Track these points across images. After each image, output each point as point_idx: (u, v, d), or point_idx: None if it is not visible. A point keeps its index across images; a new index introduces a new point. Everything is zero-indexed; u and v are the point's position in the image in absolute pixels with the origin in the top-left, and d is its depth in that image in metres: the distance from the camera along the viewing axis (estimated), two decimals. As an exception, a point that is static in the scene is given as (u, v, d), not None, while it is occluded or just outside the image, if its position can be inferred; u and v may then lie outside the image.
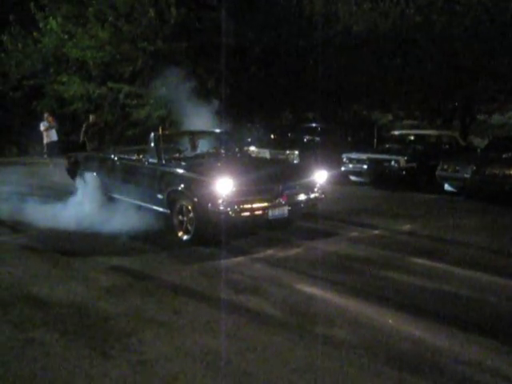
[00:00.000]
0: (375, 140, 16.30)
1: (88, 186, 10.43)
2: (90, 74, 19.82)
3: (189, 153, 9.61)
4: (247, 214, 7.83)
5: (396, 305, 5.54)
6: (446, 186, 12.52)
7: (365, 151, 14.95)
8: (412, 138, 16.28)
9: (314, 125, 18.23)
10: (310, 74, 19.63)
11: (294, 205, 8.36)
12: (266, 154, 15.73)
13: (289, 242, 8.15)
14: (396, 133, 17.13)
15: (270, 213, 7.96)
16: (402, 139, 16.26)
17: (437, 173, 12.70)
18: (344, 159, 14.89)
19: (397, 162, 13.81)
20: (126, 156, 9.93)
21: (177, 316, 5.23)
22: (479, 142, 18.40)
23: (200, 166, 8.73)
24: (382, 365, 4.28)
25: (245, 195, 7.80)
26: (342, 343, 4.64)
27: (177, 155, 9.33)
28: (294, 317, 5.22)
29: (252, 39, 18.84)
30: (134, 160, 9.48)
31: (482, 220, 9.94)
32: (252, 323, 5.09)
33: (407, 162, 13.81)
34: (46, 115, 18.37)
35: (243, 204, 7.73)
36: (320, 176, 8.86)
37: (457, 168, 12.39)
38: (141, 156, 9.30)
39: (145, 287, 6.11)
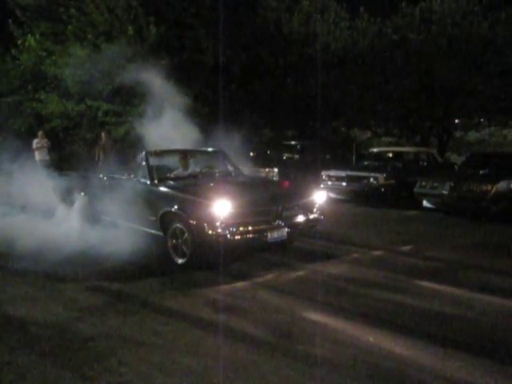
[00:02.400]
0: (354, 157, 16.42)
1: (76, 206, 10.13)
2: (69, 92, 19.74)
3: (181, 172, 9.23)
4: (245, 236, 7.47)
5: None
6: (425, 203, 12.60)
7: (344, 168, 15.02)
8: (390, 155, 16.41)
9: (293, 142, 18.31)
10: (289, 92, 19.77)
11: (293, 226, 8.06)
12: (243, 171, 15.72)
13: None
14: (374, 150, 17.24)
15: (269, 235, 7.63)
16: (380, 156, 16.37)
17: (415, 189, 12.79)
18: (323, 176, 14.94)
19: (375, 179, 13.88)
20: (115, 175, 9.54)
21: (157, 336, 5.17)
22: (456, 159, 18.59)
23: (195, 186, 8.40)
24: None
25: (243, 217, 7.49)
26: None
27: (169, 175, 8.99)
28: (286, 340, 5.12)
29: (231, 57, 18.92)
30: (123, 179, 9.11)
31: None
32: (235, 344, 5.03)
33: (386, 179, 13.90)
34: (40, 133, 18.36)
35: (241, 226, 7.41)
36: (319, 196, 8.57)
37: (435, 184, 12.49)
38: (131, 175, 8.93)
39: (125, 308, 6.03)
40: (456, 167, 14.74)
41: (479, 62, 18.62)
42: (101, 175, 9.77)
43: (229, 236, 7.26)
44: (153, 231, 8.26)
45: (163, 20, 18.00)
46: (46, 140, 18.35)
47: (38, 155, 18.04)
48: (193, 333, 5.30)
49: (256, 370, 4.47)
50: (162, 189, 8.25)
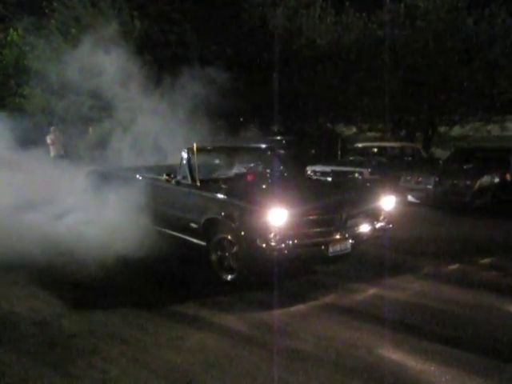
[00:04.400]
0: (339, 152, 16.44)
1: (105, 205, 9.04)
2: (52, 87, 19.56)
3: (227, 172, 8.31)
4: (303, 250, 6.53)
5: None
6: (410, 197, 12.64)
7: (329, 163, 15.05)
8: (375, 150, 16.46)
9: (278, 137, 18.30)
10: (275, 87, 19.72)
11: (358, 237, 6.96)
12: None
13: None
14: (360, 145, 17.29)
15: (331, 248, 6.55)
16: (365, 151, 16.42)
17: (400, 184, 12.83)
18: (308, 172, 14.95)
19: (361, 173, 13.92)
20: (152, 175, 8.56)
21: (141, 332, 5.14)
22: (441, 154, 18.67)
23: (245, 189, 7.43)
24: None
25: (301, 227, 6.44)
26: None
27: (214, 175, 8.07)
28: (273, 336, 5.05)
29: (216, 53, 18.84)
30: (161, 180, 7.91)
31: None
32: (218, 339, 5.02)
33: (371, 173, 13.94)
34: (52, 128, 18.22)
35: (299, 238, 6.37)
36: (387, 202, 7.46)
37: (419, 179, 12.55)
38: (171, 176, 7.72)
39: (109, 304, 5.96)
40: (441, 162, 14.78)
41: (464, 57, 18.69)
42: (137, 175, 8.73)
43: (285, 250, 6.22)
44: (194, 240, 7.27)
45: (147, 14, 17.90)
46: (59, 135, 18.20)
47: (53, 150, 17.91)
48: (176, 328, 5.26)
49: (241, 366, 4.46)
50: (206, 191, 7.23)
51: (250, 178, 8.42)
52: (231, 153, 8.66)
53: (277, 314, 5.66)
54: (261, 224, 6.23)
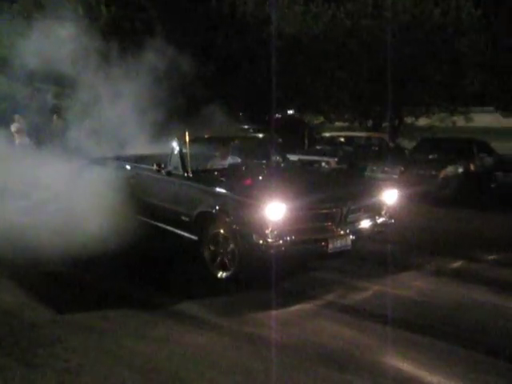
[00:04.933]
0: (306, 142, 16.49)
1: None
2: (17, 74, 19.19)
3: (220, 162, 7.85)
4: (302, 247, 6.23)
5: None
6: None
7: (296, 153, 15.07)
8: (342, 139, 16.56)
9: (245, 126, 18.24)
10: (243, 76, 19.66)
11: (358, 233, 6.64)
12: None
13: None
14: (327, 135, 17.37)
15: (331, 245, 6.23)
16: (332, 141, 16.50)
17: (366, 174, 12.91)
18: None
19: (327, 163, 13.98)
20: (142, 165, 8.20)
21: (108, 322, 5.10)
22: (407, 144, 18.86)
23: (240, 182, 7.10)
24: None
25: (300, 223, 6.15)
26: None
27: (206, 166, 7.66)
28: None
29: (184, 41, 18.68)
30: (152, 170, 7.54)
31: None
32: (183, 327, 5.02)
33: (337, 163, 14.01)
34: (16, 116, 17.84)
35: (297, 234, 6.06)
36: (389, 195, 7.10)
37: (385, 169, 12.64)
38: (162, 166, 7.34)
39: (78, 295, 5.90)
40: (406, 152, 14.94)
41: (430, 49, 18.85)
42: (127, 166, 8.46)
43: (282, 247, 5.91)
44: (185, 234, 6.98)
45: (114, 0, 17.65)
46: (23, 122, 17.85)
47: (18, 138, 17.58)
48: (141, 317, 5.23)
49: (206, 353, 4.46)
50: (199, 183, 6.89)
51: (245, 171, 8.04)
52: (225, 142, 8.17)
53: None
54: (257, 219, 5.89)
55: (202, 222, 6.61)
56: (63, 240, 7.09)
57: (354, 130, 19.87)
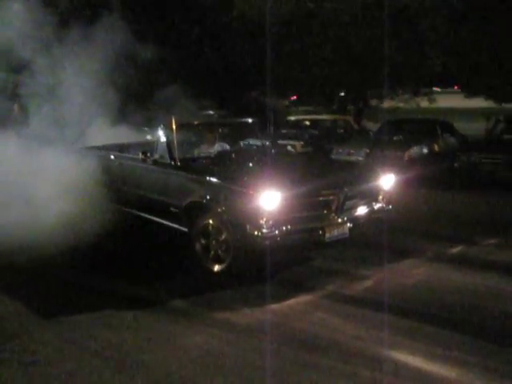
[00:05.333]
0: (272, 126, 16.44)
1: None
2: (-26, 62, 18.75)
3: (208, 149, 7.49)
4: (298, 236, 5.96)
5: None
6: (341, 170, 12.77)
7: (262, 137, 15.00)
8: (308, 123, 16.57)
9: (210, 112, 18.14)
10: (206, 62, 19.49)
11: (356, 221, 6.39)
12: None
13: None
14: (292, 118, 17.36)
15: (328, 234, 6.00)
16: (297, 124, 16.50)
17: (332, 156, 12.93)
18: (241, 145, 14.87)
19: (293, 146, 13.96)
20: (126, 154, 8.00)
21: (79, 313, 5.02)
22: (372, 126, 18.94)
23: (232, 170, 6.80)
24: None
25: (296, 211, 5.88)
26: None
27: (194, 154, 7.34)
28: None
29: (144, 27, 18.44)
30: (137, 159, 7.21)
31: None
32: (153, 315, 4.97)
33: (303, 146, 14.01)
34: None
35: (293, 224, 5.79)
36: (386, 180, 6.87)
37: (351, 151, 12.69)
38: (148, 154, 7.02)
39: (41, 285, 5.81)
40: (371, 134, 15.00)
41: (393, 30, 18.88)
42: (111, 155, 8.13)
43: (278, 237, 5.65)
44: (174, 225, 6.72)
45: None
46: None
47: None
48: (111, 306, 5.16)
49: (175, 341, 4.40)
50: (187, 172, 6.60)
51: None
52: (212, 128, 7.88)
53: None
54: (251, 208, 5.63)
55: (192, 213, 6.33)
56: (40, 231, 6.85)
57: (319, 114, 19.87)
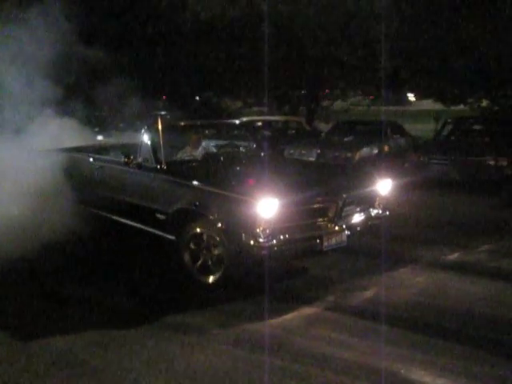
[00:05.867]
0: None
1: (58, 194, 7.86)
2: None
3: (192, 153, 7.17)
4: (296, 245, 5.67)
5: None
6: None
7: (214, 138, 14.98)
8: (260, 124, 16.62)
9: (163, 112, 18.02)
10: (159, 62, 19.36)
11: (354, 228, 6.13)
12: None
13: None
14: (244, 119, 17.37)
15: (326, 242, 5.74)
16: (250, 125, 16.51)
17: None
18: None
19: (245, 147, 13.96)
20: (106, 157, 7.64)
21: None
22: (324, 127, 19.14)
23: (223, 174, 6.45)
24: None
25: (293, 219, 5.60)
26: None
27: (178, 156, 6.99)
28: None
29: (97, 25, 18.22)
30: (119, 163, 6.87)
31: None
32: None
33: (255, 147, 14.01)
34: None
35: (291, 232, 5.52)
36: (383, 186, 6.61)
37: (302, 152, 12.80)
38: (131, 158, 6.60)
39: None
40: (323, 135, 15.15)
41: (345, 33, 19.11)
42: (90, 158, 7.71)
43: (275, 247, 5.36)
44: (159, 233, 6.35)
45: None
46: None
47: None
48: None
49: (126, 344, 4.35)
50: (175, 176, 6.25)
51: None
52: (198, 130, 7.56)
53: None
54: (247, 216, 5.31)
55: (180, 221, 5.96)
56: (16, 240, 6.61)
57: (271, 115, 19.99)
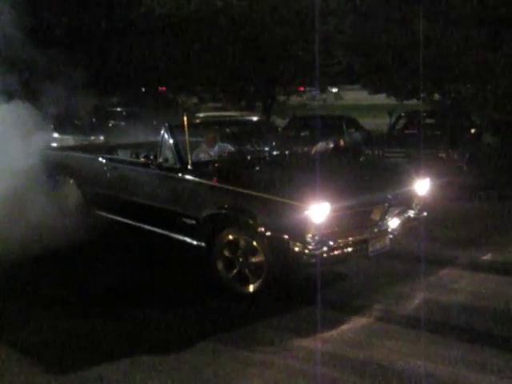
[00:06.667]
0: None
1: (61, 197, 7.58)
2: None
3: (207, 152, 6.65)
4: (343, 252, 5.23)
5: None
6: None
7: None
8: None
9: (118, 109, 17.90)
10: (115, 58, 19.20)
11: (396, 231, 5.74)
12: (69, 140, 15.12)
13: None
14: (200, 115, 17.33)
15: (371, 247, 5.40)
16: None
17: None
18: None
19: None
20: (122, 157, 7.21)
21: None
22: (280, 122, 19.24)
23: (260, 175, 6.11)
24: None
25: (342, 224, 5.25)
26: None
27: (204, 156, 6.46)
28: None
29: (52, 21, 17.98)
30: (137, 163, 6.59)
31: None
32: (61, 314, 4.85)
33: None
34: None
35: (339, 238, 5.17)
36: (422, 186, 6.20)
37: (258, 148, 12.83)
38: (151, 158, 6.24)
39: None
40: (279, 130, 15.23)
41: (300, 29, 19.26)
42: (100, 158, 7.23)
43: (324, 254, 4.99)
44: (187, 239, 5.87)
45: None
46: None
47: None
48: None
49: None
50: (206, 178, 5.80)
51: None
52: (211, 127, 7.00)
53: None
54: (296, 222, 4.93)
55: (213, 226, 5.54)
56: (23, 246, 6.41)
57: (227, 110, 20.00)
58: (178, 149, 6.01)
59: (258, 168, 6.52)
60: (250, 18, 19.17)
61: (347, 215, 5.29)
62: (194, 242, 5.79)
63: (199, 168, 6.01)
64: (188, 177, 5.87)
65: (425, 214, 6.22)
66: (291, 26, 19.10)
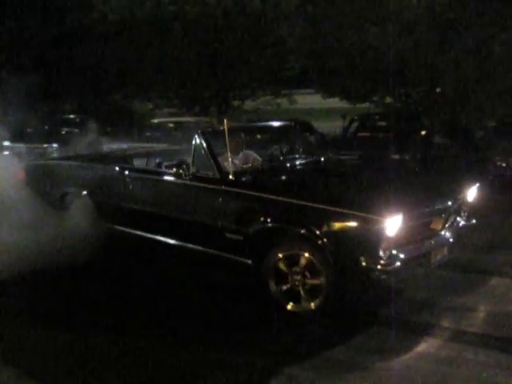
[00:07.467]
0: (135, 129, 16.39)
1: (73, 211, 7.00)
2: None
3: (232, 160, 5.79)
4: (410, 265, 4.87)
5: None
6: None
7: (126, 141, 14.88)
8: (171, 125, 16.67)
9: (71, 116, 17.75)
10: (66, 64, 19.00)
11: (451, 239, 5.39)
12: (21, 148, 14.90)
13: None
14: (155, 121, 17.38)
15: (433, 258, 5.08)
16: (161, 127, 16.54)
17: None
18: (105, 150, 14.66)
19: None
20: (147, 168, 6.75)
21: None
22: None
23: (315, 186, 5.65)
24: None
25: (411, 236, 4.90)
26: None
27: (229, 164, 5.60)
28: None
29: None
30: (164, 173, 6.07)
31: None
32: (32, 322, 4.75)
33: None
34: None
35: (407, 251, 4.79)
36: (471, 193, 5.89)
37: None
38: (181, 169, 5.71)
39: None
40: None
41: (253, 34, 19.39)
42: (117, 167, 6.63)
43: (397, 269, 4.62)
44: (231, 256, 5.35)
45: None
46: None
47: None
48: None
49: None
50: (252, 190, 5.29)
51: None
52: (235, 134, 6.18)
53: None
54: (367, 236, 4.57)
55: (263, 242, 5.08)
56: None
57: (182, 116, 20.03)
58: (215, 158, 5.49)
59: (306, 177, 6.15)
60: (203, 24, 19.22)
61: (415, 226, 4.97)
62: (239, 259, 5.31)
63: (242, 178, 5.54)
64: (230, 188, 5.37)
65: (474, 221, 5.92)
66: (244, 30, 19.21)
